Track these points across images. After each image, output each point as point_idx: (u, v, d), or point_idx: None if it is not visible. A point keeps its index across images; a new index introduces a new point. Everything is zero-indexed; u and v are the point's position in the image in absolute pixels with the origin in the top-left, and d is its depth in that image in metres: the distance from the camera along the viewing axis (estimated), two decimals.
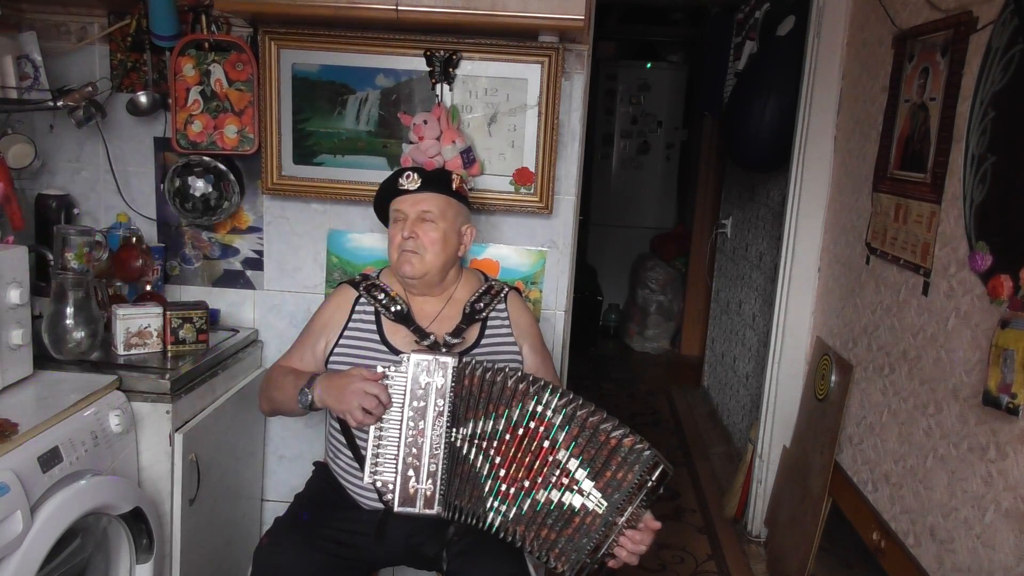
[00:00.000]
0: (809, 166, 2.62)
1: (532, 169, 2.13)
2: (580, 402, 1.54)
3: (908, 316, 1.97)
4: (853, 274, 2.35)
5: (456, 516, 1.58)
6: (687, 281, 5.26)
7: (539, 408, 1.54)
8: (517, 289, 1.96)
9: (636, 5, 5.34)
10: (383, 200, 1.84)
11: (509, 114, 2.11)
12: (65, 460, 1.51)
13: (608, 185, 5.96)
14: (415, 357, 1.57)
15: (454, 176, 1.83)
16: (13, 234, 1.93)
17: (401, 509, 1.56)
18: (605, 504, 1.50)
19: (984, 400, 1.53)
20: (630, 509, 1.49)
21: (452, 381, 1.56)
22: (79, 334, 1.80)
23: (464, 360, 1.58)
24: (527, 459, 1.55)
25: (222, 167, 2.16)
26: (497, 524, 1.56)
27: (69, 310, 1.79)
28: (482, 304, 1.83)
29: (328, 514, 1.74)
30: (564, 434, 1.52)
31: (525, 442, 1.55)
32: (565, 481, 1.52)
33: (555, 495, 1.53)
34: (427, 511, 1.56)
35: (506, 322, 1.84)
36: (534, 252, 2.23)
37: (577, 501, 1.51)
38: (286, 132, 2.14)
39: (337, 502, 1.77)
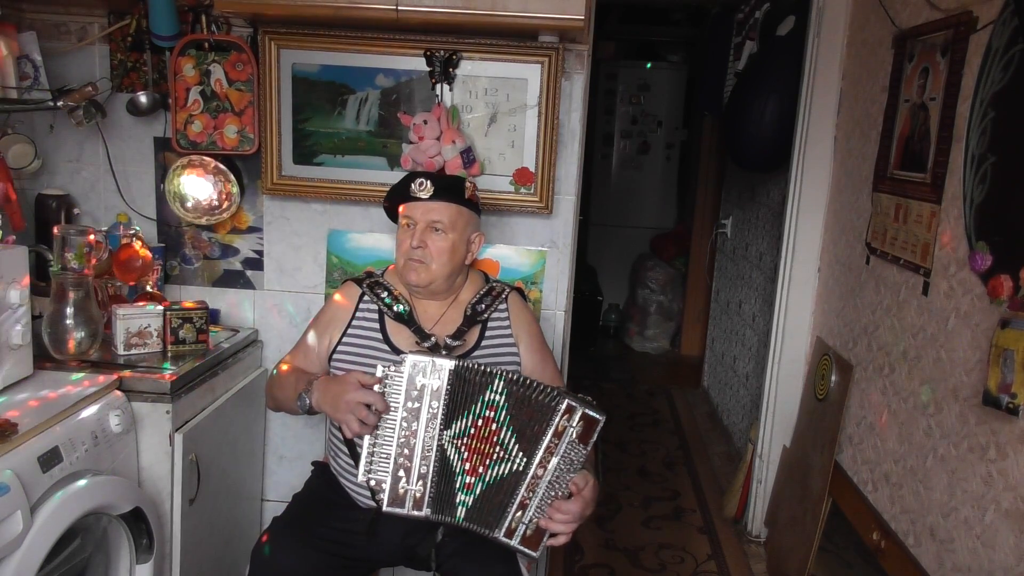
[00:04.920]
0: (809, 166, 2.62)
1: (532, 169, 2.13)
2: (522, 380, 1.56)
3: (908, 316, 1.96)
4: (853, 274, 2.35)
5: (437, 515, 1.59)
6: (687, 281, 5.25)
7: (491, 396, 1.56)
8: (519, 289, 1.95)
9: (636, 5, 5.34)
10: (393, 201, 1.82)
11: (509, 114, 2.11)
12: (65, 460, 1.51)
13: (608, 185, 5.96)
14: (412, 358, 1.56)
15: (467, 184, 1.80)
16: (13, 234, 1.93)
17: (390, 509, 1.57)
18: (525, 460, 1.54)
19: (984, 400, 1.53)
20: (553, 460, 1.52)
21: (448, 384, 1.55)
22: (79, 334, 1.81)
23: (462, 364, 1.57)
24: (482, 446, 1.57)
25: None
26: (463, 517, 1.58)
27: (69, 310, 1.79)
28: (483, 305, 1.83)
29: (325, 513, 1.74)
30: (505, 412, 1.55)
31: (483, 432, 1.56)
32: (503, 454, 1.55)
33: (495, 470, 1.56)
34: (415, 512, 1.57)
35: (506, 323, 1.84)
36: (534, 252, 2.23)
37: (507, 468, 1.55)
38: (286, 132, 2.14)
39: (335, 501, 1.77)
